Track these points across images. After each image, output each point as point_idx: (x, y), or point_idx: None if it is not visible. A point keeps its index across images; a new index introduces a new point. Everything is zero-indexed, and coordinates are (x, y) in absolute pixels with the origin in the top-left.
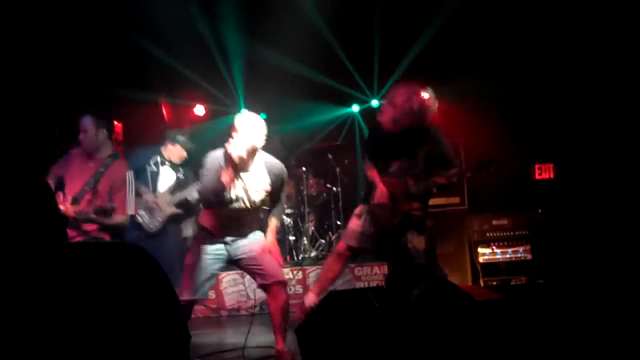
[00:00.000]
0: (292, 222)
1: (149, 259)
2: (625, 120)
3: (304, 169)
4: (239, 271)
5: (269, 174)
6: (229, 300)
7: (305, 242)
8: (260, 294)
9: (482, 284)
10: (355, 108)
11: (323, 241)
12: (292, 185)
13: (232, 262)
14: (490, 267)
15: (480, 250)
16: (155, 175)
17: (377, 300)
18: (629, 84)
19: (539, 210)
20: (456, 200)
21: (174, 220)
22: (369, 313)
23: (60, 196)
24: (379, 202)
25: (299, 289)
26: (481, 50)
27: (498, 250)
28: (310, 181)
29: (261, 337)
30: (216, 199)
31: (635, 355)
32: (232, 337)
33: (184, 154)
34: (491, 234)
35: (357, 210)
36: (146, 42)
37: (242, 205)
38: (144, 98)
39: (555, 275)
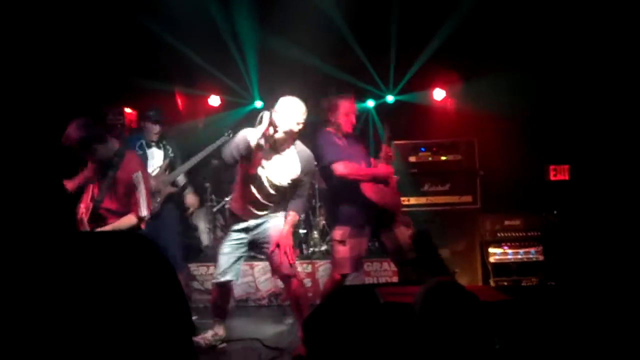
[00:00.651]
0: (303, 216)
1: (155, 249)
2: None
3: (315, 163)
4: (248, 262)
5: (300, 162)
6: (238, 291)
7: (316, 235)
8: (269, 286)
9: (492, 284)
10: (370, 103)
11: None
12: None
13: (254, 247)
14: (501, 268)
15: (492, 250)
16: (144, 158)
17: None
18: None
19: (554, 212)
20: (468, 199)
21: (170, 199)
22: (375, 310)
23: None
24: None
25: (308, 282)
26: (497, 49)
27: (510, 251)
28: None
29: (270, 328)
30: (237, 158)
31: None
32: (240, 327)
33: (157, 127)
34: (503, 234)
35: (338, 236)
36: (162, 31)
37: (267, 184)
38: (159, 87)
39: (567, 278)
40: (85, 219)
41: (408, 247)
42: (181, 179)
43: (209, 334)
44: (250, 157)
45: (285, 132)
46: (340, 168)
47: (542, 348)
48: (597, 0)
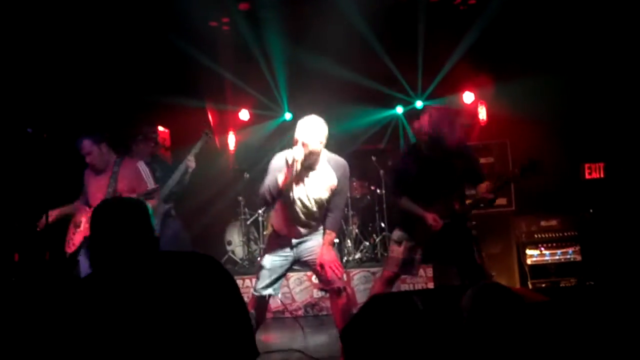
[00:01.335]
0: None
1: (223, 269)
2: None
3: (347, 165)
4: None
5: (335, 170)
6: (274, 303)
7: (349, 244)
8: (305, 297)
9: (530, 286)
10: (400, 110)
11: (367, 243)
12: None
13: (298, 263)
14: (539, 269)
15: (529, 251)
16: None
17: (422, 303)
18: None
19: (590, 210)
20: (503, 201)
21: (168, 215)
22: (414, 316)
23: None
24: (434, 229)
25: None
26: (527, 50)
27: (547, 252)
28: (354, 184)
29: (308, 339)
30: (272, 198)
31: None
32: (278, 338)
33: (149, 148)
34: (539, 235)
35: (395, 236)
36: (192, 48)
37: (308, 203)
38: (191, 104)
39: (606, 277)
40: (87, 224)
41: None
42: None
43: None
44: (282, 193)
45: (312, 153)
46: (392, 200)
47: (582, 347)
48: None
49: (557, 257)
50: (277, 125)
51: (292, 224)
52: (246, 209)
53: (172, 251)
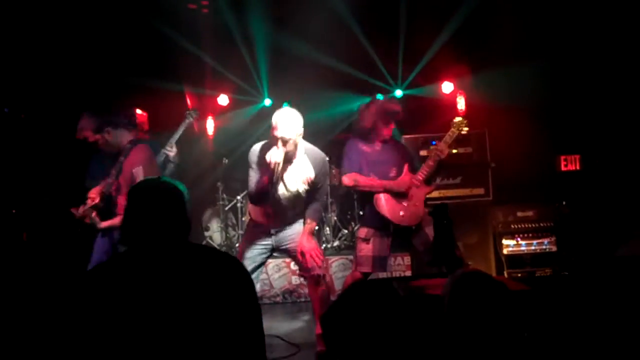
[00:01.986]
0: None
1: (242, 266)
2: None
3: (327, 159)
4: None
5: (312, 164)
6: None
7: (328, 232)
8: (283, 283)
9: (506, 275)
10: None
11: (346, 231)
12: None
13: (278, 251)
14: (515, 259)
15: (505, 241)
16: None
17: (402, 290)
18: None
19: (563, 203)
20: (480, 191)
21: None
22: (394, 303)
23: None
24: (405, 188)
25: None
26: (506, 40)
27: (523, 242)
28: (333, 171)
29: (286, 324)
30: (259, 197)
31: None
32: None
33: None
34: (516, 226)
35: (362, 234)
36: (170, 31)
37: (285, 194)
38: (169, 87)
39: (580, 268)
40: (98, 202)
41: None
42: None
43: None
44: (267, 189)
45: (290, 145)
46: (345, 180)
47: (559, 335)
48: None
49: (533, 248)
50: (257, 111)
51: (270, 214)
52: (224, 195)
53: (200, 245)
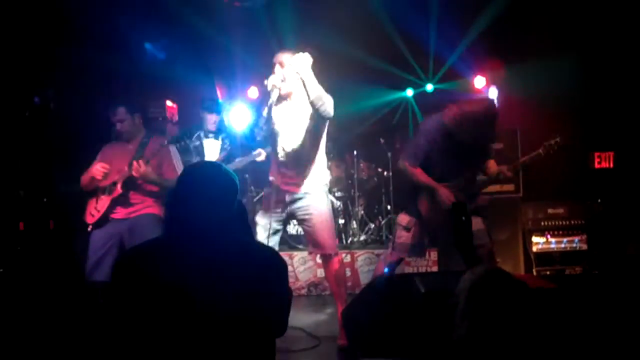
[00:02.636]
0: (341, 206)
1: (281, 258)
2: None
3: (355, 152)
4: (287, 252)
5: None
6: None
7: (355, 225)
8: (308, 276)
9: (535, 273)
10: (410, 92)
11: (372, 225)
12: (342, 168)
13: (293, 218)
14: (544, 257)
15: (534, 239)
16: (200, 149)
17: (424, 286)
18: None
19: (598, 200)
20: (510, 187)
21: None
22: (415, 299)
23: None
24: (445, 205)
25: (348, 271)
26: (540, 35)
27: (552, 239)
28: (361, 165)
29: (310, 317)
30: (261, 130)
31: None
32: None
33: (213, 117)
34: (546, 223)
35: (403, 222)
36: (203, 24)
37: (289, 136)
38: (199, 80)
39: (611, 267)
40: (119, 184)
41: (481, 236)
42: None
43: None
44: (268, 125)
45: (287, 68)
46: (401, 164)
47: (586, 335)
48: None
49: (562, 245)
50: None
51: (282, 167)
52: (252, 187)
53: (240, 234)
